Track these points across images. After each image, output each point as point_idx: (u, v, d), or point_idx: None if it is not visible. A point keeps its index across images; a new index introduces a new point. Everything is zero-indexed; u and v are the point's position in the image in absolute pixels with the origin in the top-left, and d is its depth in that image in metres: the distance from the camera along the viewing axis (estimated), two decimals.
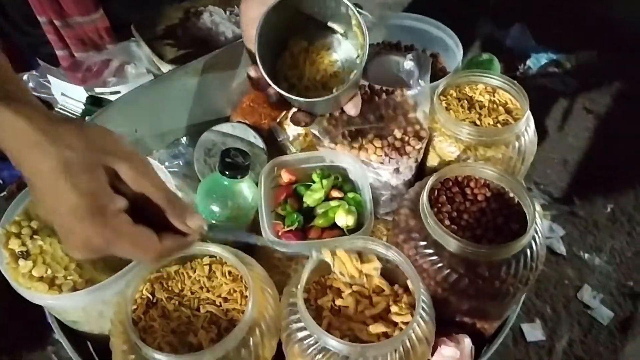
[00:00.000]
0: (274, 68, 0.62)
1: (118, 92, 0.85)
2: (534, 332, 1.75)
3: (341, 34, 0.65)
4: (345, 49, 0.65)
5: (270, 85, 0.57)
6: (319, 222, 0.70)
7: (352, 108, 0.64)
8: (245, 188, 0.70)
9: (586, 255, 1.91)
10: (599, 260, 1.90)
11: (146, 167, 0.45)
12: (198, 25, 0.91)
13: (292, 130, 0.87)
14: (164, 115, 0.80)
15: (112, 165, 0.43)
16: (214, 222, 0.69)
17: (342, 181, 0.75)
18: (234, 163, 0.66)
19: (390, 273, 0.64)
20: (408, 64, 0.87)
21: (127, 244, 0.44)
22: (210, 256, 0.64)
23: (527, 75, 2.39)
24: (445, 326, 0.69)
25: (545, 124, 2.27)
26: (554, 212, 1.99)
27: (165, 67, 0.87)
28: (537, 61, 2.45)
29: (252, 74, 0.60)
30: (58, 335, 0.68)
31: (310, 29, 0.63)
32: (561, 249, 1.93)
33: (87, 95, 0.85)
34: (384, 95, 0.81)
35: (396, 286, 0.63)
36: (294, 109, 0.63)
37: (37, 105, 0.45)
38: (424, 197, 0.64)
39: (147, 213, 0.46)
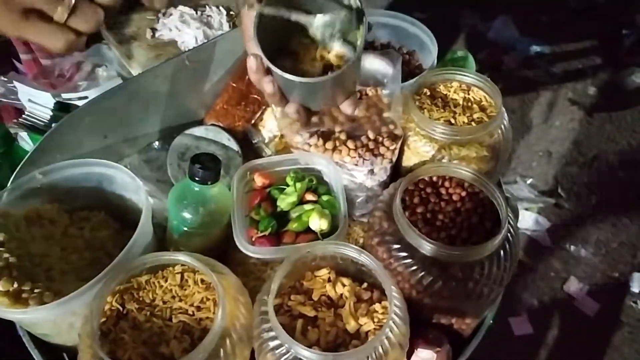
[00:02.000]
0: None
1: (86, 98, 0.83)
2: (521, 325, 1.76)
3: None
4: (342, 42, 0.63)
5: (269, 74, 0.55)
6: (293, 226, 0.69)
7: (349, 107, 0.62)
8: (217, 193, 0.69)
9: (572, 247, 1.92)
10: (585, 252, 1.91)
11: None
12: (168, 26, 0.89)
13: (267, 132, 0.86)
14: (135, 120, 0.78)
15: None
16: (185, 229, 0.68)
17: (316, 183, 0.74)
18: (204, 169, 0.65)
19: (365, 274, 0.63)
20: (381, 63, 0.86)
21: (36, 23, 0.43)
22: (182, 264, 0.63)
23: (511, 68, 2.39)
24: (423, 327, 0.69)
25: (530, 116, 2.28)
26: (540, 205, 2.00)
27: (136, 70, 0.85)
28: (521, 53, 2.45)
29: (267, 85, 0.57)
30: (29, 348, 0.67)
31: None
32: (547, 241, 1.94)
33: (54, 101, 0.83)
34: (357, 95, 0.79)
35: (374, 292, 0.63)
36: (290, 105, 0.60)
37: None
38: (397, 201, 0.64)
39: None
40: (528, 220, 1.99)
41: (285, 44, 0.58)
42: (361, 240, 0.76)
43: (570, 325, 1.76)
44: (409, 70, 0.94)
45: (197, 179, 0.65)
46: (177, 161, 0.81)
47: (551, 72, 2.40)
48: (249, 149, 0.85)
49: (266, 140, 0.86)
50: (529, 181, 2.06)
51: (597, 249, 1.92)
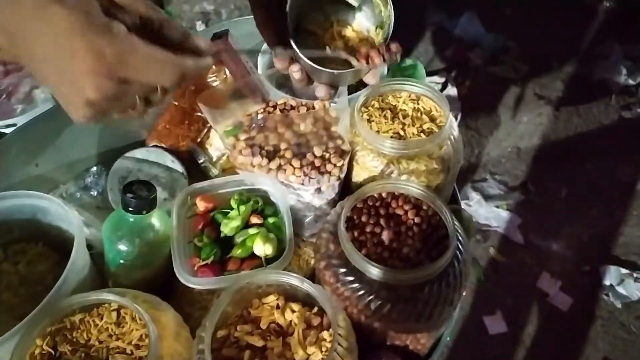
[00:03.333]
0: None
1: (14, 125, 0.79)
2: (495, 324, 1.75)
3: (356, 7, 0.62)
4: (360, 20, 0.63)
5: (297, 61, 0.57)
6: (237, 252, 0.66)
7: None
8: (156, 221, 0.66)
9: (544, 242, 1.92)
10: (557, 246, 1.91)
11: None
12: None
13: (214, 150, 0.83)
14: (68, 145, 0.74)
15: None
16: (122, 261, 0.65)
17: (262, 205, 0.71)
18: (137, 198, 0.61)
19: (315, 298, 0.61)
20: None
21: (146, 61, 0.40)
22: None
23: (477, 64, 2.39)
24: (377, 350, 0.66)
25: (498, 112, 2.27)
26: (510, 202, 2.00)
27: None
28: (487, 49, 2.45)
29: (295, 72, 0.58)
30: None
31: (325, 6, 0.62)
32: (518, 237, 1.94)
33: None
34: (303, 110, 0.77)
35: (324, 317, 0.60)
36: (317, 84, 0.61)
37: None
38: (341, 225, 0.61)
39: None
40: (499, 217, 1.99)
41: (299, 23, 0.59)
42: (312, 261, 0.73)
43: (545, 321, 1.76)
44: (361, 80, 0.91)
45: (130, 209, 0.62)
46: (118, 186, 0.77)
47: (517, 67, 2.41)
48: (196, 169, 0.81)
49: (214, 159, 0.83)
50: (498, 178, 2.06)
51: (568, 242, 1.92)
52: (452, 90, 2.29)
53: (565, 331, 1.74)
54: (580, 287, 1.81)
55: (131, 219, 0.63)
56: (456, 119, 2.22)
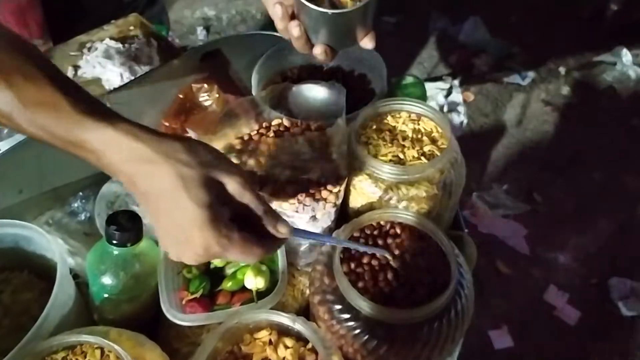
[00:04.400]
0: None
1: None
2: (501, 338, 1.71)
3: None
4: None
5: (294, 19, 0.59)
6: (227, 285, 0.63)
7: (369, 42, 0.64)
8: (144, 251, 0.63)
9: (550, 254, 1.88)
10: (564, 258, 1.87)
11: (248, 181, 0.49)
12: (92, 63, 0.82)
13: None
14: (52, 170, 0.71)
15: (220, 179, 0.47)
16: (107, 295, 0.61)
17: None
18: (121, 230, 0.58)
19: None
20: (327, 93, 0.80)
21: (238, 250, 0.47)
22: None
23: (482, 70, 2.35)
24: None
25: (504, 120, 2.24)
26: (516, 212, 1.96)
27: None
28: (492, 55, 2.41)
29: (293, 29, 0.61)
30: None
31: None
32: (524, 248, 1.90)
33: None
34: (299, 131, 0.74)
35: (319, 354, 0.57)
36: (317, 47, 0.63)
37: (128, 119, 0.47)
38: (336, 258, 0.58)
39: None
40: (505, 227, 1.95)
41: None
42: (307, 292, 0.69)
43: (552, 336, 1.71)
44: (359, 95, 0.88)
45: (114, 241, 0.59)
46: (106, 211, 0.74)
47: (523, 73, 2.37)
48: None
49: None
50: (504, 187, 2.02)
51: (575, 254, 1.88)
52: (457, 97, 2.25)
53: (573, 346, 1.70)
54: (588, 301, 1.77)
55: (115, 252, 0.60)
56: (461, 125, 2.19)
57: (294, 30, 0.61)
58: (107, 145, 0.45)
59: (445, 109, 2.22)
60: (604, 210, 1.96)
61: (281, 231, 0.50)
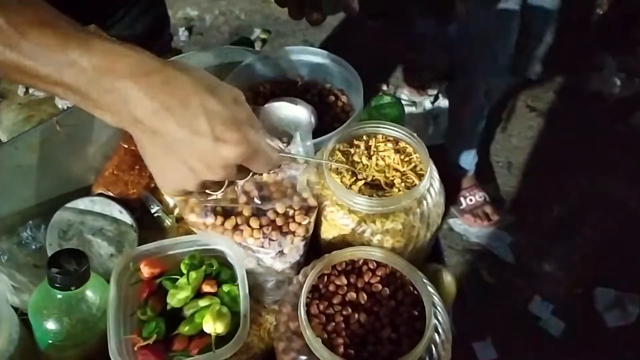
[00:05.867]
0: None
1: None
2: (485, 350, 1.68)
3: None
4: None
5: None
6: (184, 329, 0.58)
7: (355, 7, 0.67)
8: (91, 293, 0.57)
9: (535, 263, 1.85)
10: (548, 267, 1.84)
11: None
12: None
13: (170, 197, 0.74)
14: (1, 195, 0.66)
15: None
16: (50, 342, 0.56)
17: (218, 268, 0.62)
18: (64, 273, 0.53)
19: None
20: (299, 110, 0.75)
21: (264, 157, 0.49)
22: None
23: None
24: None
25: (488, 125, 2.20)
26: (501, 220, 1.92)
27: (3, 137, 0.72)
28: None
29: None
30: None
31: None
32: (509, 257, 1.87)
33: None
34: None
35: None
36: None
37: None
38: (301, 306, 0.53)
39: None
40: (489, 235, 1.92)
41: None
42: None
43: (536, 347, 1.69)
44: (336, 113, 0.83)
45: (57, 285, 0.53)
46: (58, 241, 0.69)
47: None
48: (148, 219, 0.73)
49: (171, 205, 0.74)
50: (490, 194, 1.98)
51: (560, 263, 1.85)
52: (443, 102, 2.21)
53: (558, 358, 1.67)
54: (573, 311, 1.74)
55: (59, 296, 0.54)
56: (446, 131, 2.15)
57: None
58: (114, 54, 0.43)
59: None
60: (589, 218, 1.93)
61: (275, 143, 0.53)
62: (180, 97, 0.44)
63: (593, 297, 1.78)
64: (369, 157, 0.67)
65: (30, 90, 0.77)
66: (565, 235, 1.92)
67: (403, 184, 0.65)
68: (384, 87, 2.24)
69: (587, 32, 2.40)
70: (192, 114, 0.44)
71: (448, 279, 0.65)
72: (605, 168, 2.06)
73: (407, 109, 2.20)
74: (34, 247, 0.70)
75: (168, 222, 0.73)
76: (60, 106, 0.75)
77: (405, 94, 2.24)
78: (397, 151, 0.67)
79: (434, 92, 2.25)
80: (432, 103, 2.23)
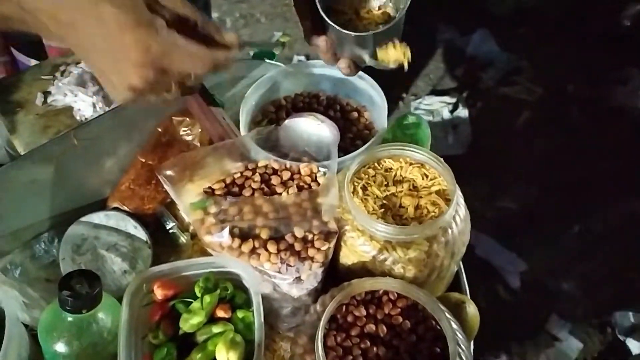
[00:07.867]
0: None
1: None
2: None
3: None
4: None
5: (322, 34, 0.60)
6: (196, 356, 0.56)
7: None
8: (103, 315, 0.56)
9: (553, 281, 1.80)
10: (567, 286, 1.79)
11: None
12: (63, 90, 0.74)
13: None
14: (15, 208, 0.65)
15: None
16: None
17: (232, 292, 0.60)
18: (75, 297, 0.51)
19: None
20: (322, 128, 0.73)
21: (184, 54, 0.47)
22: None
23: (489, 85, 2.27)
24: None
25: (510, 137, 2.16)
26: (519, 234, 1.88)
27: (20, 148, 0.71)
28: (499, 69, 2.33)
29: (321, 42, 0.61)
30: None
31: None
32: (526, 274, 1.83)
33: None
34: (287, 175, 0.66)
35: None
36: (342, 60, 0.64)
37: None
38: (319, 341, 0.51)
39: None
40: (507, 251, 1.88)
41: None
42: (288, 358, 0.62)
43: None
44: (358, 130, 0.81)
45: (67, 307, 0.52)
46: (72, 255, 0.68)
47: (531, 89, 2.29)
48: (163, 236, 0.71)
49: (186, 222, 0.73)
50: (509, 207, 1.94)
51: (579, 282, 1.81)
52: (463, 112, 2.17)
53: None
54: (591, 332, 1.70)
55: (70, 318, 0.53)
56: (466, 142, 2.11)
57: (321, 44, 0.62)
58: None
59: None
60: (610, 237, 1.88)
61: (228, 39, 0.50)
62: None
63: (613, 319, 1.73)
64: (394, 182, 0.65)
65: (49, 100, 0.76)
66: (585, 254, 1.87)
67: (425, 210, 0.62)
68: (404, 95, 2.21)
69: (612, 45, 2.34)
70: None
71: (472, 311, 0.62)
72: (628, 184, 2.00)
73: (425, 118, 2.17)
74: (46, 261, 0.69)
75: (183, 239, 0.71)
76: (78, 118, 0.74)
77: (424, 103, 2.21)
78: (422, 176, 0.65)
79: (453, 100, 2.22)
80: (451, 112, 2.20)
